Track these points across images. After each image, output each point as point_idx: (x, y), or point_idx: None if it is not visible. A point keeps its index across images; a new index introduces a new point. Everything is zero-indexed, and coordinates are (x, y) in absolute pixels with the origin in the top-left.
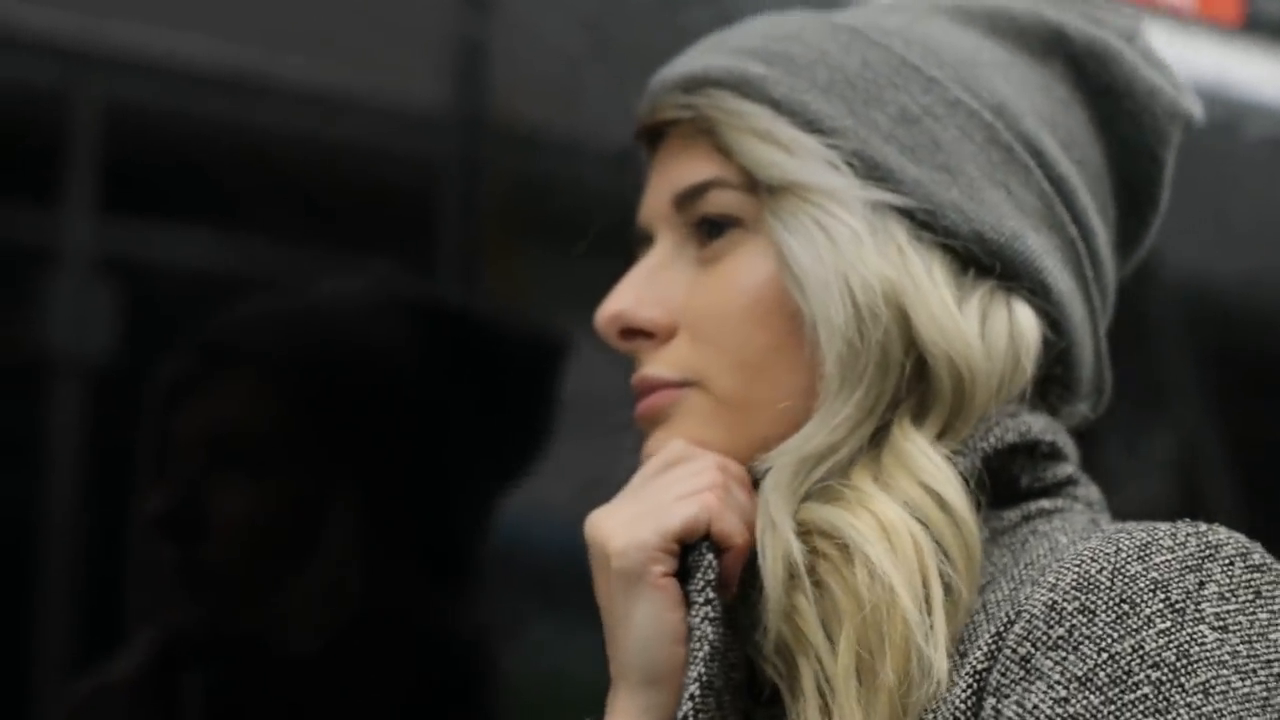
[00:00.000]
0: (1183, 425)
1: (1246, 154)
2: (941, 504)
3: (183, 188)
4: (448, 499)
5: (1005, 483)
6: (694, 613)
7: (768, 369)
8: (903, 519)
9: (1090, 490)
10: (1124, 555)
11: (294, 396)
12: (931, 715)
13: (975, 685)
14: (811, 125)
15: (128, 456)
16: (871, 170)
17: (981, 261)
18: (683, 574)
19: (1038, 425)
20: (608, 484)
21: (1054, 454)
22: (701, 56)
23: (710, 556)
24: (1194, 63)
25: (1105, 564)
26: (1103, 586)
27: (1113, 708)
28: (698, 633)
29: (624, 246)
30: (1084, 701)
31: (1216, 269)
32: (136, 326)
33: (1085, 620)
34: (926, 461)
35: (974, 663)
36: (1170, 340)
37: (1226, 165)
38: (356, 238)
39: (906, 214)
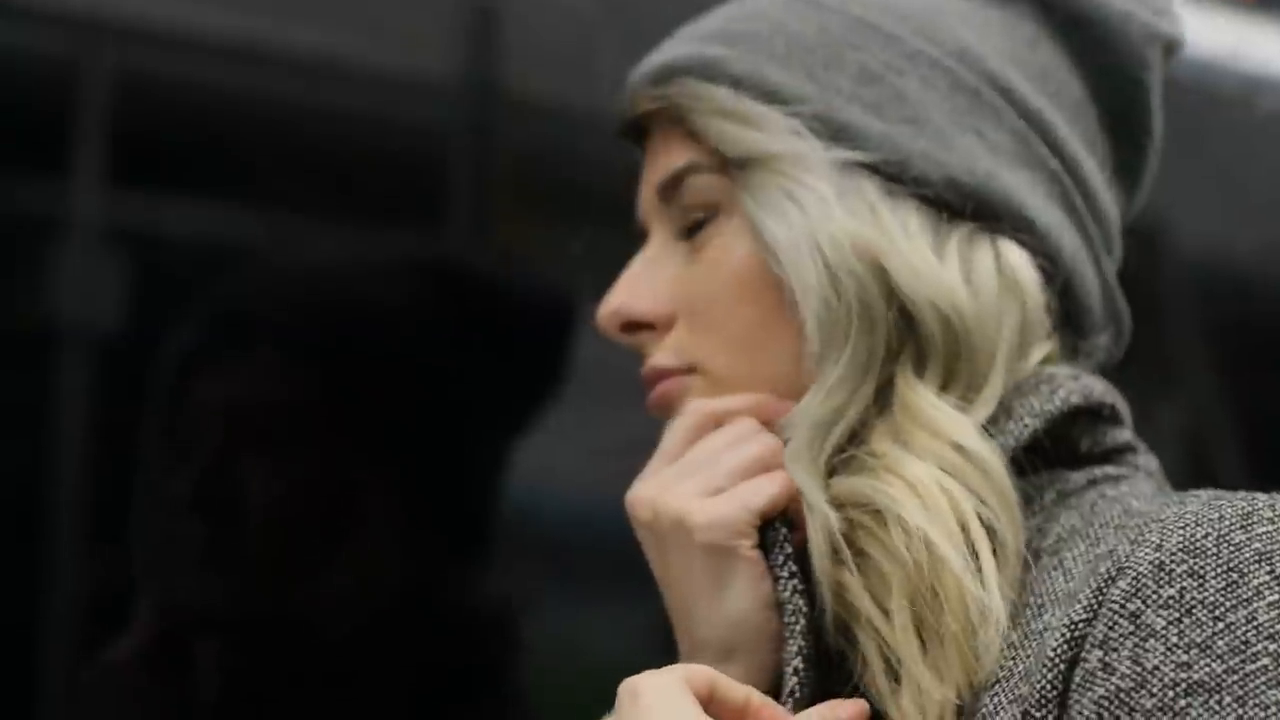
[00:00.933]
0: (1193, 398)
1: (1260, 127)
2: (962, 451)
3: (192, 158)
4: (467, 468)
5: (1066, 446)
6: (782, 586)
7: (761, 344)
8: (929, 473)
9: (1150, 459)
10: (1228, 523)
11: (316, 366)
12: (1010, 664)
13: (1071, 635)
14: (773, 97)
15: (135, 428)
16: (836, 132)
17: (958, 207)
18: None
19: (1099, 388)
20: (615, 452)
21: (1114, 418)
22: (669, 47)
23: (785, 530)
24: (1209, 36)
25: (1210, 529)
26: (1209, 552)
27: (1236, 677)
28: (790, 605)
29: (634, 217)
30: (1207, 668)
31: (1229, 242)
32: (145, 298)
33: (1195, 584)
34: (936, 412)
35: (1070, 616)
36: (1181, 313)
37: (1240, 138)
38: (366, 207)
39: (876, 170)
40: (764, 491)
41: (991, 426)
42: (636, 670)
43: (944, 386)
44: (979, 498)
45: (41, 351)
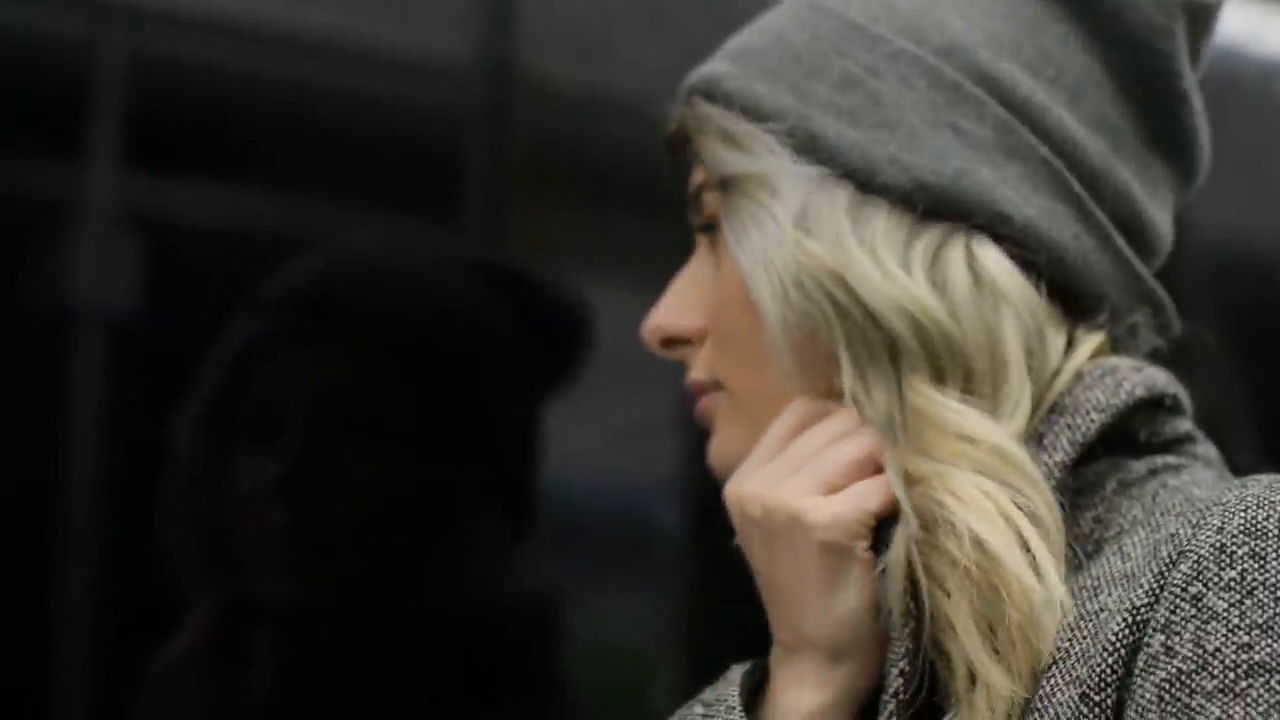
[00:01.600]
0: (1210, 382)
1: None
2: (987, 447)
3: (207, 141)
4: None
5: (1127, 435)
6: (895, 586)
7: (769, 360)
8: (960, 474)
9: (1209, 449)
10: None
11: (398, 352)
12: (1067, 645)
13: (1132, 620)
14: (757, 114)
15: (151, 410)
16: (808, 144)
17: (930, 209)
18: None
19: (1161, 379)
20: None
21: (1175, 408)
22: (703, 65)
23: (895, 528)
24: (1228, 21)
25: (1272, 511)
26: (1271, 533)
27: None
28: (902, 604)
29: (653, 202)
30: (1269, 649)
31: (1248, 227)
32: (159, 280)
33: (1257, 565)
34: (949, 412)
35: (1132, 600)
36: (1199, 298)
37: (1260, 123)
38: (383, 191)
39: (850, 178)
40: (878, 492)
41: (1056, 419)
42: (655, 655)
43: (960, 390)
44: (1014, 489)
45: (56, 334)
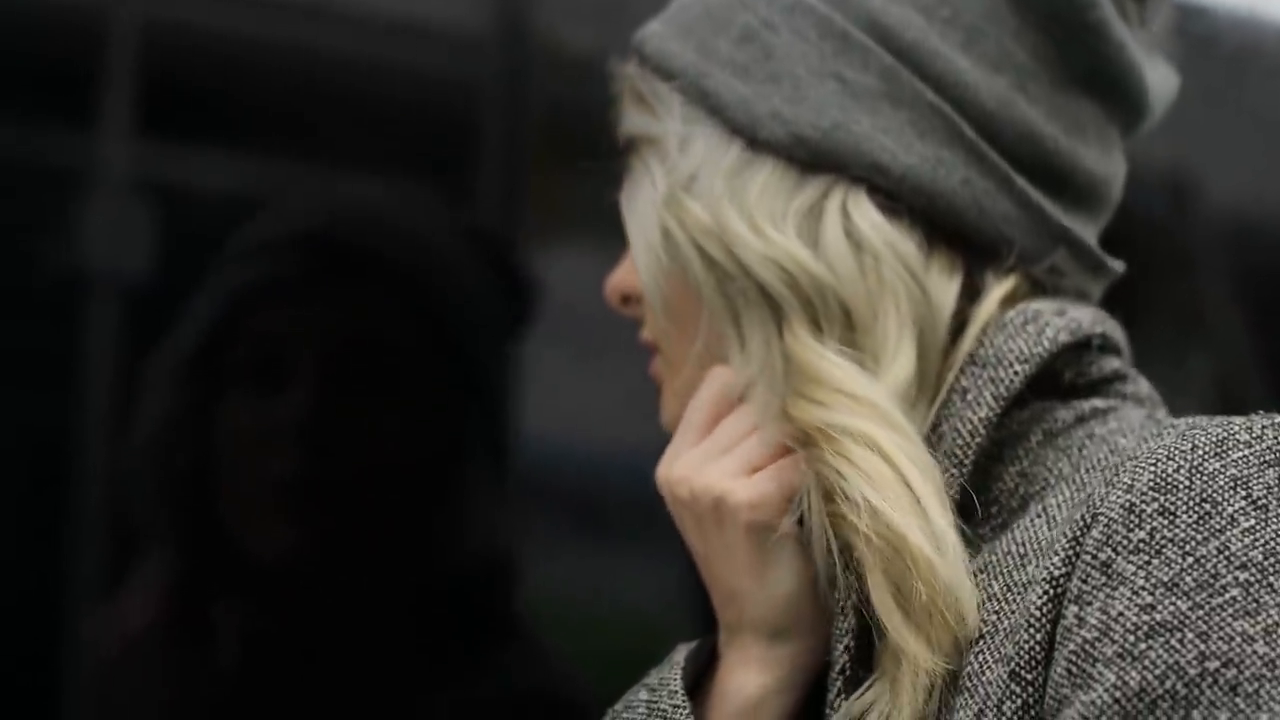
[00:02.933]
0: (1223, 348)
1: None
2: (867, 405)
3: (220, 108)
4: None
5: (1050, 378)
6: (834, 561)
7: (682, 323)
8: (848, 429)
9: (1140, 385)
10: (1200, 452)
11: (398, 299)
12: (995, 619)
13: (1052, 592)
14: (666, 73)
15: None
16: (702, 102)
17: (810, 162)
18: None
19: (1087, 319)
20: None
21: (1104, 346)
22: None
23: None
24: None
25: (1182, 462)
26: (1181, 486)
27: (1201, 612)
28: (843, 580)
29: None
30: (1171, 607)
31: (1264, 191)
32: (173, 248)
33: (1166, 522)
34: (828, 364)
35: (1050, 569)
36: (1213, 263)
37: (1273, 90)
38: (398, 160)
39: (739, 135)
40: (798, 468)
41: (978, 371)
42: (658, 621)
43: (839, 340)
44: (903, 444)
45: (70, 301)
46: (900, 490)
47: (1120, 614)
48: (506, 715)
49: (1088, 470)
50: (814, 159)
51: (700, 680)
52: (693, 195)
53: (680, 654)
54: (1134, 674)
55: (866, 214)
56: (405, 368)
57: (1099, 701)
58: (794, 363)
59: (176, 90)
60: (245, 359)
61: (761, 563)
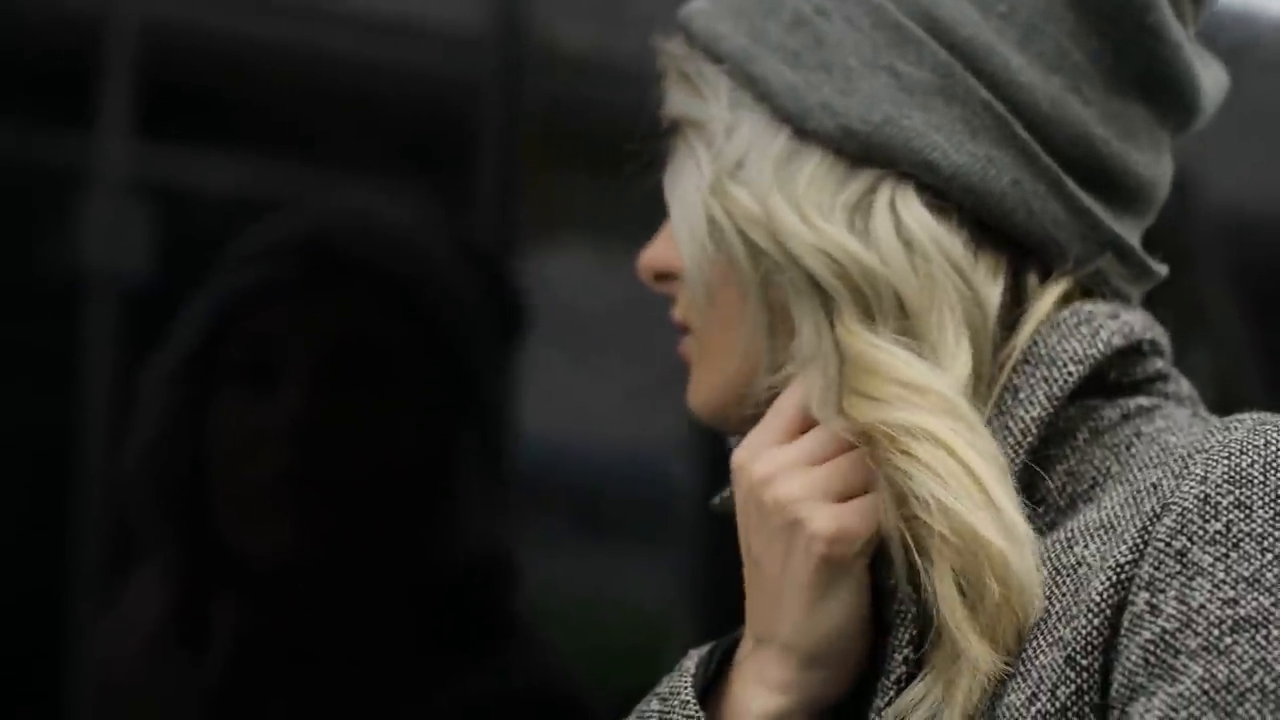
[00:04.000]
0: (1222, 343)
1: None
2: (934, 396)
3: (219, 109)
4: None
5: (1097, 378)
6: (893, 578)
7: (720, 308)
8: (911, 423)
9: (1181, 385)
10: (1274, 448)
11: (389, 302)
12: (1046, 604)
13: (1116, 578)
14: (714, 55)
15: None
16: (751, 87)
17: (859, 155)
18: None
19: (1139, 324)
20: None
21: (1152, 350)
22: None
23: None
24: None
25: (1256, 457)
26: (1256, 481)
27: None
28: (904, 591)
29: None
30: (1255, 603)
31: (1263, 185)
32: (171, 248)
33: (1242, 516)
34: (886, 355)
35: (1117, 556)
36: (1213, 257)
37: (1274, 84)
38: (395, 159)
39: (787, 123)
40: (881, 508)
41: (1031, 370)
42: (658, 620)
43: (894, 331)
44: (968, 434)
45: (68, 302)
46: (968, 483)
47: (1202, 606)
48: (504, 713)
49: (1139, 469)
50: (863, 153)
51: (713, 686)
52: (739, 182)
53: (691, 661)
54: (1221, 668)
55: (915, 212)
56: (397, 369)
57: (1187, 693)
58: (847, 353)
59: (174, 91)
60: (239, 361)
61: (819, 595)
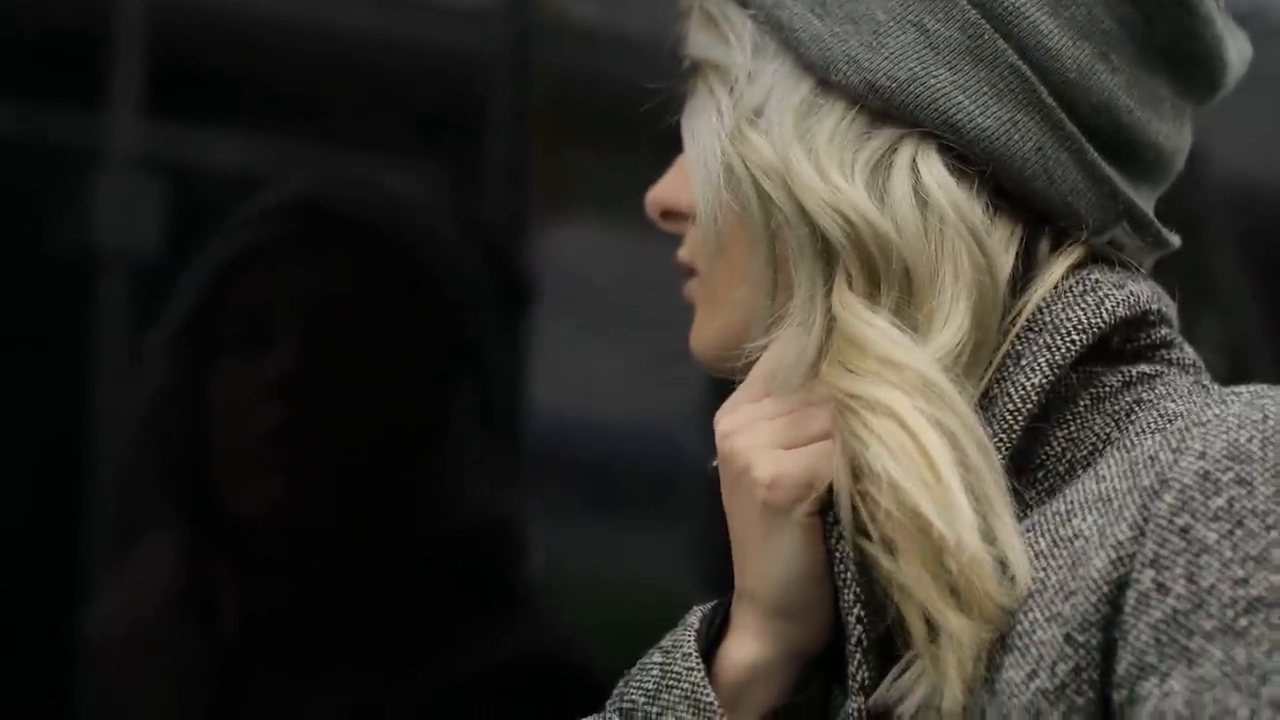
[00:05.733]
0: (1231, 313)
1: None
2: (912, 374)
3: (228, 87)
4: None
5: (1097, 343)
6: (832, 542)
7: (728, 253)
8: (881, 398)
9: (1185, 351)
10: (1273, 422)
11: (383, 263)
12: (1043, 575)
13: (1116, 556)
14: None
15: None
16: (776, 34)
17: (882, 112)
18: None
19: (1145, 294)
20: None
21: (1159, 319)
22: None
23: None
24: None
25: (1254, 432)
26: (1255, 457)
27: None
28: (838, 553)
29: (674, 138)
30: (1265, 582)
31: (1266, 157)
32: (182, 226)
33: (1244, 492)
34: (872, 330)
35: (1118, 534)
36: (1222, 226)
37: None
38: (404, 136)
39: (810, 73)
40: (829, 456)
41: (1034, 337)
42: (667, 591)
43: (892, 307)
44: (932, 410)
45: (80, 279)
46: (920, 461)
47: (1213, 586)
48: (504, 679)
49: (1137, 434)
50: (885, 110)
51: (715, 644)
52: (758, 130)
53: (694, 616)
54: (1240, 650)
55: (936, 173)
56: (389, 329)
57: (1209, 676)
58: (837, 324)
59: (184, 69)
60: (233, 324)
61: (767, 541)
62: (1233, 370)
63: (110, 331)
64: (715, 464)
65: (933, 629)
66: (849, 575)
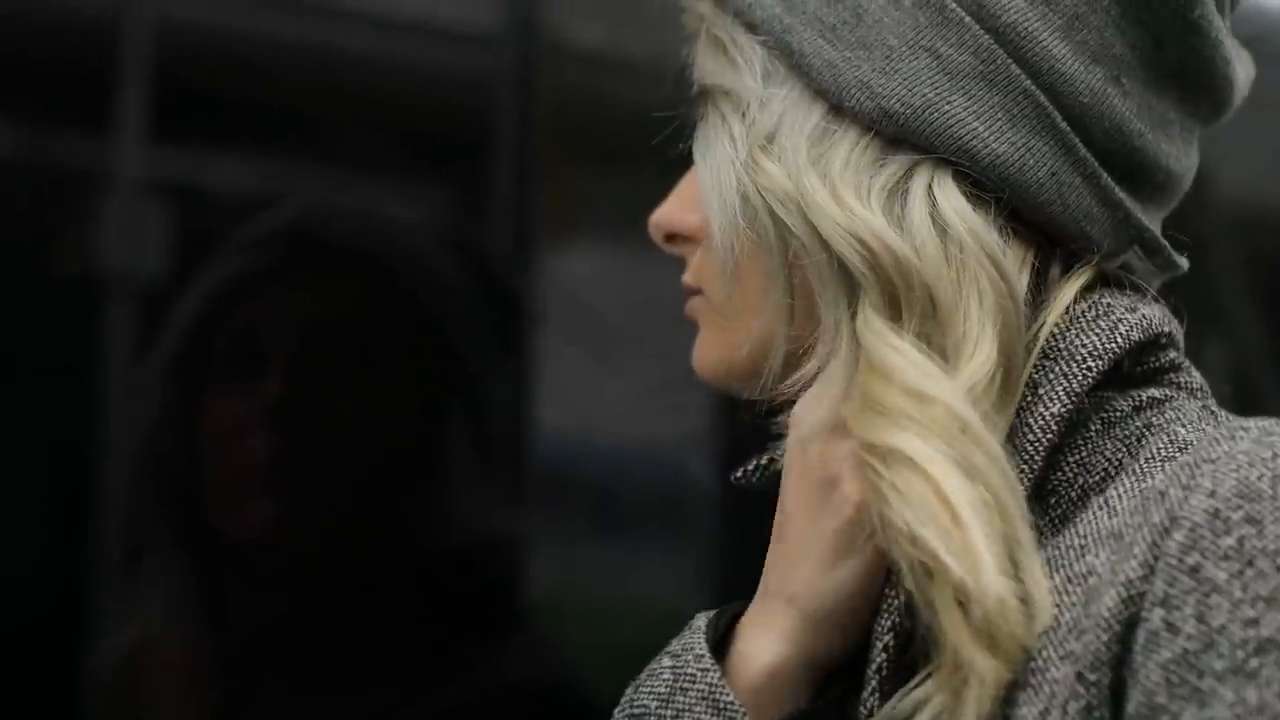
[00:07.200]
0: (1238, 337)
1: None
2: (941, 408)
3: (235, 111)
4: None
5: (1109, 369)
6: (889, 587)
7: (744, 279)
8: (904, 446)
9: (1193, 376)
10: None
11: (374, 289)
12: (1055, 612)
13: (1126, 594)
14: (747, 23)
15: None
16: (786, 59)
17: (896, 138)
18: None
19: (1157, 318)
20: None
21: (1168, 342)
22: None
23: None
24: None
25: (1264, 470)
26: (1265, 495)
27: None
28: (894, 576)
29: (679, 163)
30: (1276, 623)
31: (1271, 181)
32: (189, 250)
33: (1254, 531)
34: (901, 359)
35: (1127, 572)
36: (1228, 251)
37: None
38: (409, 160)
39: (823, 99)
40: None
41: (1050, 365)
42: (674, 614)
43: (917, 333)
44: (957, 451)
45: (87, 303)
46: (939, 509)
47: (1223, 627)
48: (500, 704)
49: (1147, 460)
50: (900, 135)
51: (720, 647)
52: (772, 157)
53: (700, 620)
54: (1251, 691)
55: (953, 200)
56: (383, 355)
57: (1220, 717)
58: (864, 351)
59: (191, 92)
60: (227, 351)
61: (836, 557)
62: (1238, 393)
63: (116, 354)
64: (737, 475)
65: (958, 665)
66: (895, 604)
